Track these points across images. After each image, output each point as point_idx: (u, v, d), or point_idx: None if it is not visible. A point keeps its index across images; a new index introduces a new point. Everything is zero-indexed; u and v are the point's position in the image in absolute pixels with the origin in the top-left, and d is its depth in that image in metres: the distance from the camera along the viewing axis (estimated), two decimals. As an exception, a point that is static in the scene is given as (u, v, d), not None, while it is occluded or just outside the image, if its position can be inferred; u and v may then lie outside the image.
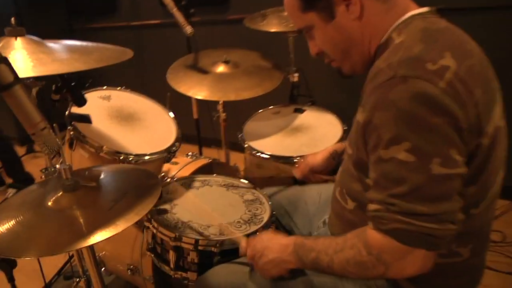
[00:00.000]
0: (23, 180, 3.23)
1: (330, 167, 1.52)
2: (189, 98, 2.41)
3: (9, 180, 3.32)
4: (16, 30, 1.15)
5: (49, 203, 1.05)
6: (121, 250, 1.81)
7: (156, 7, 3.52)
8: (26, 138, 3.67)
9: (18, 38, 1.14)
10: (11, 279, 1.57)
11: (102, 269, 1.94)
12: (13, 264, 1.49)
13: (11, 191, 3.19)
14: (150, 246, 1.45)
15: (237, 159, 2.31)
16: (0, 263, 1.48)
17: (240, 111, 2.46)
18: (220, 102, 2.29)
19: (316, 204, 1.48)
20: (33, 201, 1.11)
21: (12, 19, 1.15)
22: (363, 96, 0.98)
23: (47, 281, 2.19)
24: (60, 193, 1.06)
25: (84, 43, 1.25)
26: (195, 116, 2.60)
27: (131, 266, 1.78)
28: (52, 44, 1.18)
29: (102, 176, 1.16)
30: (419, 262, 0.91)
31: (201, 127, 2.70)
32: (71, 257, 2.31)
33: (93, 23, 4.09)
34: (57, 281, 2.22)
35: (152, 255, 1.44)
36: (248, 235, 1.28)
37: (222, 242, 1.29)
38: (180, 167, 1.87)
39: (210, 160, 1.97)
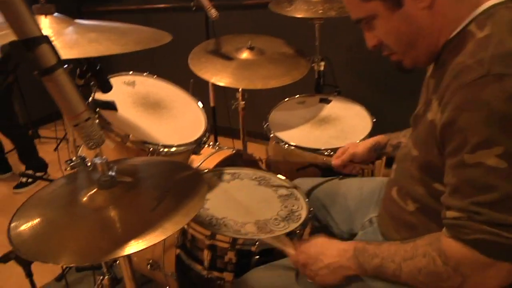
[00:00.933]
0: (36, 166, 3.11)
1: (371, 159, 1.43)
2: (205, 85, 2.31)
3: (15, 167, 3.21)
4: (44, 7, 1.03)
5: (83, 200, 0.94)
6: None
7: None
8: (32, 123, 3.52)
9: (48, 16, 1.01)
10: (29, 274, 1.48)
11: (117, 262, 1.85)
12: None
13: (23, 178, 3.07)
14: (179, 243, 1.35)
15: (254, 150, 2.21)
16: (18, 258, 1.40)
17: (258, 100, 2.37)
18: (239, 90, 2.18)
19: (357, 199, 1.39)
20: (65, 198, 1.01)
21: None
22: (435, 93, 0.89)
23: (58, 273, 2.12)
24: (95, 190, 0.95)
25: (116, 24, 1.13)
26: (212, 103, 2.50)
27: (151, 261, 1.69)
28: (84, 22, 1.06)
29: (137, 169, 1.05)
30: (501, 276, 0.82)
31: (217, 116, 2.59)
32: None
33: (102, 6, 3.94)
34: (69, 273, 2.13)
35: (182, 253, 1.34)
36: (288, 234, 1.19)
37: (262, 242, 1.20)
38: (203, 158, 1.76)
39: (233, 151, 1.86)
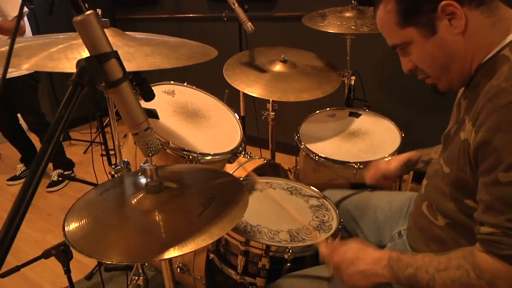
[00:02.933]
0: (64, 165, 3.21)
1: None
2: (236, 95, 2.36)
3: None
4: (100, 21, 1.10)
5: (132, 203, 1.00)
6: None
7: (198, 0, 3.47)
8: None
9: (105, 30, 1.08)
10: (68, 271, 1.54)
11: (146, 263, 1.91)
12: (71, 255, 1.46)
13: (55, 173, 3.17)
14: (213, 248, 1.40)
15: (281, 161, 2.25)
16: (59, 254, 1.45)
17: (287, 112, 2.40)
18: (270, 101, 2.23)
19: (386, 212, 1.42)
20: (114, 201, 1.07)
21: (99, 10, 1.09)
22: (469, 113, 0.93)
23: (87, 272, 2.19)
24: (143, 194, 1.01)
25: (166, 38, 1.20)
26: (242, 113, 2.54)
27: (181, 264, 1.74)
28: (136, 36, 1.12)
29: (181, 176, 1.10)
30: None
31: (247, 126, 2.64)
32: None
33: (135, 13, 4.05)
34: (98, 273, 2.20)
35: (216, 257, 1.39)
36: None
37: (295, 249, 1.24)
38: (236, 166, 1.81)
39: (265, 161, 1.91)
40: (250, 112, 2.57)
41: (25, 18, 2.86)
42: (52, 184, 3.12)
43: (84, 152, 3.73)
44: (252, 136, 2.79)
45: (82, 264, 2.23)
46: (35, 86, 2.98)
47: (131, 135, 0.84)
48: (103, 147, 2.08)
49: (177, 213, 0.97)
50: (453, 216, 1.03)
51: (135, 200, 1.01)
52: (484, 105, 0.86)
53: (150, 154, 0.85)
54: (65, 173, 3.20)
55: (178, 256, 0.84)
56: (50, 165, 3.24)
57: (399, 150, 1.83)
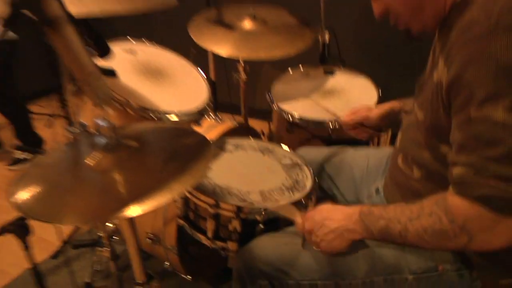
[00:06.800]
0: (32, 142, 3.06)
1: (383, 126, 1.45)
2: (204, 58, 2.30)
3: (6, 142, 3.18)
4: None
5: (87, 163, 0.95)
6: (140, 217, 1.71)
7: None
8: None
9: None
10: (26, 247, 1.49)
11: (116, 237, 1.87)
12: (27, 229, 1.41)
13: (18, 153, 3.03)
14: (182, 214, 1.38)
15: (256, 126, 2.21)
16: (16, 229, 1.41)
17: (260, 76, 2.36)
18: (240, 63, 2.18)
19: (363, 169, 1.42)
20: (68, 163, 1.03)
21: None
22: (441, 53, 0.91)
23: (53, 251, 2.13)
24: (100, 153, 0.97)
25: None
26: (212, 76, 2.49)
27: (151, 235, 1.71)
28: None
29: (142, 134, 1.06)
30: (510, 233, 0.85)
31: (217, 91, 2.60)
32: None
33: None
34: (65, 251, 2.14)
35: (185, 223, 1.37)
36: (295, 204, 1.22)
37: (267, 210, 1.22)
38: (204, 129, 1.77)
39: (235, 124, 1.87)
40: (221, 77, 2.51)
41: None
42: (16, 162, 2.97)
43: (47, 126, 3.59)
44: (224, 102, 2.75)
45: (47, 243, 2.15)
46: None
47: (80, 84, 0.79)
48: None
49: (137, 170, 0.94)
50: (428, 166, 1.02)
51: (92, 160, 0.96)
52: (457, 39, 0.85)
53: (101, 104, 0.80)
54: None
55: (138, 214, 0.82)
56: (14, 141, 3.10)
57: (377, 107, 1.80)
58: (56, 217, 0.84)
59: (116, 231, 1.80)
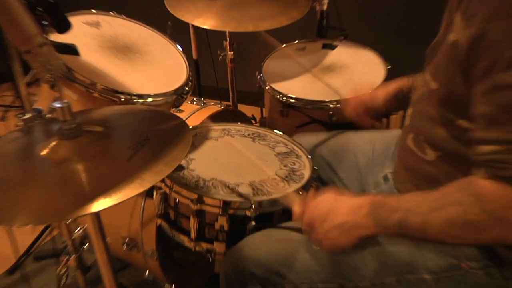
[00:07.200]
0: None
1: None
2: (186, 34, 2.27)
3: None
4: None
5: (42, 153, 0.93)
6: (114, 220, 1.71)
7: None
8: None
9: None
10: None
11: (86, 246, 1.85)
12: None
13: None
14: (160, 212, 1.36)
15: (247, 112, 2.19)
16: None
17: (250, 53, 2.33)
18: (227, 39, 2.15)
19: (368, 155, 1.41)
20: (19, 153, 1.00)
21: None
22: (457, 10, 0.89)
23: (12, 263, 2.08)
24: (56, 141, 0.94)
25: None
26: (194, 56, 2.47)
27: (127, 239, 1.69)
28: None
29: (109, 118, 1.04)
30: None
31: (201, 72, 2.58)
32: (45, 229, 2.21)
33: None
34: (25, 264, 2.11)
35: (165, 223, 1.35)
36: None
37: (260, 203, 1.20)
38: (186, 115, 1.75)
39: (222, 107, 1.86)
40: (205, 56, 2.49)
41: None
42: None
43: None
44: (209, 86, 2.72)
45: (1, 256, 2.10)
46: None
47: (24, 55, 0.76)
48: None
49: (101, 159, 0.92)
50: (444, 145, 1.00)
51: (46, 149, 0.94)
52: None
53: (52, 80, 0.77)
54: None
55: (103, 209, 0.79)
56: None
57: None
58: (4, 218, 0.81)
59: (85, 237, 1.77)
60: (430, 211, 0.89)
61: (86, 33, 1.55)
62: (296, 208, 1.09)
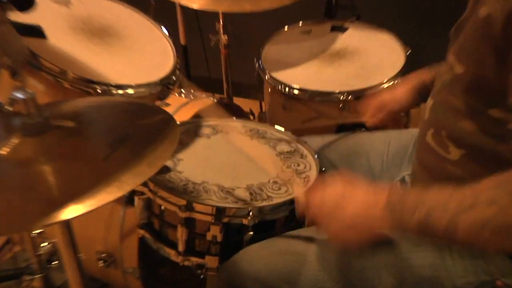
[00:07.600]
0: None
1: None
2: (172, 15, 2.27)
3: None
4: None
5: (1, 152, 0.92)
6: (89, 231, 1.70)
7: None
8: None
9: None
10: None
11: (54, 263, 1.84)
12: None
13: None
14: (143, 221, 1.36)
15: (244, 106, 2.20)
16: None
17: (247, 36, 2.33)
18: (220, 21, 2.15)
19: (382, 157, 1.42)
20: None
21: None
22: None
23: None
24: (18, 138, 0.93)
25: None
26: (182, 41, 2.47)
27: (104, 255, 1.69)
28: None
29: (82, 112, 1.04)
30: None
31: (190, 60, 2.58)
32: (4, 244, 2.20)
33: None
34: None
35: (148, 235, 1.36)
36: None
37: (259, 210, 1.21)
38: (173, 109, 1.75)
39: (215, 100, 1.85)
40: (195, 41, 2.49)
41: None
42: None
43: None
44: (200, 76, 2.72)
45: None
46: None
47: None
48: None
49: (72, 159, 0.91)
50: (471, 141, 0.99)
51: (6, 147, 0.93)
52: None
53: (11, 65, 0.76)
54: None
55: (74, 217, 0.78)
56: None
57: (405, 73, 1.79)
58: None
59: (53, 252, 1.76)
60: (459, 210, 0.87)
61: (55, 13, 1.55)
62: (299, 198, 1.09)
